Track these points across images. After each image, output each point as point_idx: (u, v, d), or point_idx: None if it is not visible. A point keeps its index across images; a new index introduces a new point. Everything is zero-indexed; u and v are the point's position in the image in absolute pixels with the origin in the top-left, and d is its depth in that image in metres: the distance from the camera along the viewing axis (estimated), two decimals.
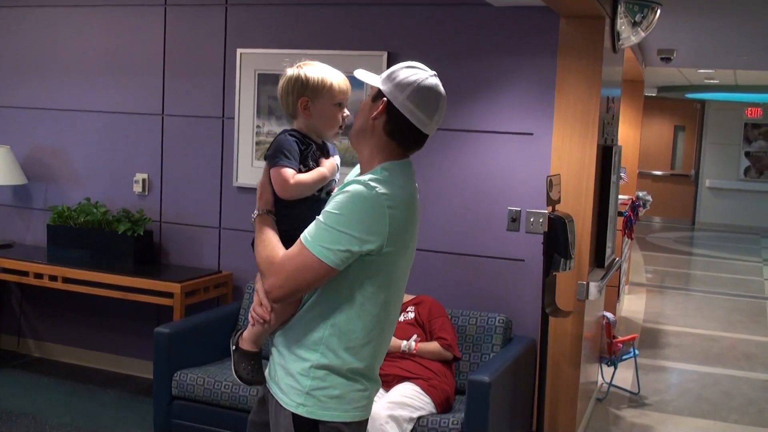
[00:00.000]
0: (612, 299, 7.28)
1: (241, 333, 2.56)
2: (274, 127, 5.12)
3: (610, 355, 5.80)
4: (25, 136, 5.97)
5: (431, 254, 4.85)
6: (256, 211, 2.45)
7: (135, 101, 5.57)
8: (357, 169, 2.49)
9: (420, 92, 2.30)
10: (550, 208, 4.18)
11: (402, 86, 2.29)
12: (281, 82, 2.51)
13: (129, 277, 5.06)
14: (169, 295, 4.96)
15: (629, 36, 4.66)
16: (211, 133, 5.32)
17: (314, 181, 2.44)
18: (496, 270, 4.74)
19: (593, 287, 4.45)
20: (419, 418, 3.97)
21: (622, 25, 4.60)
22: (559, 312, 4.27)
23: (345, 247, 2.22)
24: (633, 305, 8.90)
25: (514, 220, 4.57)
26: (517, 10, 4.59)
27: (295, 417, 2.35)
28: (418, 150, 2.40)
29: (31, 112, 5.96)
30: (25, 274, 5.33)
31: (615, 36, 4.63)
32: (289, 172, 2.40)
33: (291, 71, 2.51)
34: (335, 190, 2.36)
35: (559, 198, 4.31)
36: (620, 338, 6.00)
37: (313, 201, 2.45)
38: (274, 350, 2.48)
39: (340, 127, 2.54)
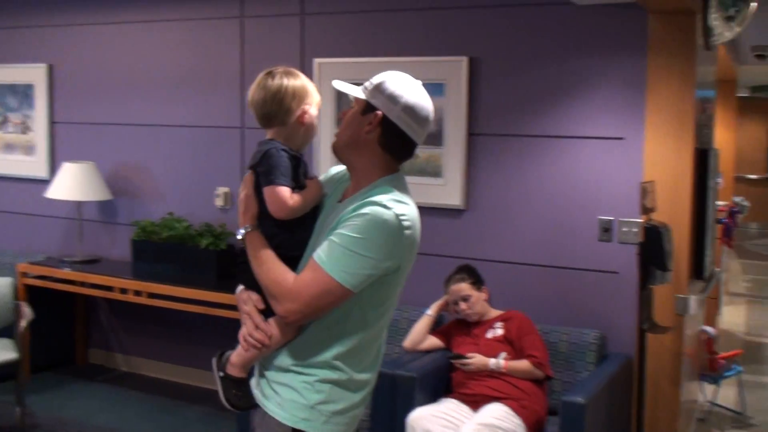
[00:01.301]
0: (712, 312, 6.94)
1: (228, 357, 2.43)
2: None
3: (712, 372, 5.49)
4: (108, 152, 6.01)
5: (519, 267, 4.67)
6: (242, 230, 2.34)
7: (215, 115, 5.55)
8: (338, 168, 2.48)
9: (414, 103, 2.27)
10: (644, 217, 3.96)
11: (395, 98, 2.26)
12: (274, 86, 2.38)
13: (211, 291, 5.00)
14: None
15: (722, 32, 4.39)
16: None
17: (310, 201, 2.37)
18: (588, 283, 4.52)
19: (693, 301, 4.20)
20: None
21: (715, 20, 4.33)
22: (656, 328, 4.04)
23: (367, 272, 2.18)
24: (733, 317, 8.49)
25: (606, 230, 4.37)
26: (602, 8, 4.37)
27: None
28: (409, 159, 2.37)
29: (113, 128, 6.00)
30: (111, 289, 5.34)
31: (707, 32, 4.36)
32: (287, 192, 2.30)
33: (285, 78, 2.39)
34: (346, 210, 2.25)
35: (654, 206, 4.08)
36: (722, 354, 5.67)
37: (302, 217, 2.36)
38: (265, 369, 2.37)
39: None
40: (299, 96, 2.39)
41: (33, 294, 5.65)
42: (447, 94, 4.75)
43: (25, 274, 5.64)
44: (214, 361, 2.45)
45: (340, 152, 2.36)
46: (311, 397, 2.27)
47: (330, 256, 2.18)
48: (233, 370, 2.39)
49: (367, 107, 2.29)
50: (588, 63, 4.46)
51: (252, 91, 2.41)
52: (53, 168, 6.17)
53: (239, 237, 2.34)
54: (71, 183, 5.65)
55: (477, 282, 4.33)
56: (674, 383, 4.39)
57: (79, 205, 5.84)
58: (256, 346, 2.29)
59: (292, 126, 2.40)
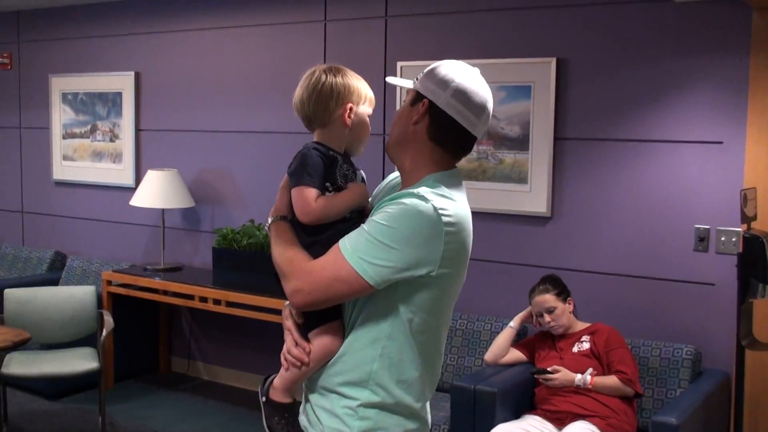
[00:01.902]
0: None
1: (272, 381, 2.20)
2: None
3: None
4: (191, 158, 6.02)
5: (608, 277, 4.45)
6: (269, 218, 2.17)
7: (297, 121, 5.41)
8: (393, 175, 2.26)
9: (465, 88, 2.05)
10: (744, 226, 3.71)
11: (444, 83, 2.05)
12: (311, 85, 2.19)
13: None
14: None
15: None
16: (374, 149, 5.11)
17: (342, 206, 2.10)
18: (682, 295, 4.27)
19: None
20: None
21: None
22: (757, 344, 3.77)
23: (389, 264, 1.93)
24: None
25: (702, 239, 4.13)
26: (701, 5, 4.13)
27: None
28: (465, 155, 2.15)
29: (196, 134, 6.01)
30: (191, 297, 5.32)
31: None
32: (312, 193, 2.09)
33: (324, 76, 2.19)
34: (379, 202, 2.06)
35: (755, 214, 3.81)
36: None
37: (341, 225, 2.10)
38: (310, 391, 2.16)
39: None
40: (340, 94, 2.17)
41: (118, 302, 5.70)
42: (534, 97, 4.57)
43: (109, 282, 5.68)
44: (259, 386, 2.25)
45: (391, 152, 2.17)
46: (355, 425, 2.02)
47: (353, 242, 1.97)
48: (276, 395, 2.18)
49: (416, 97, 2.10)
50: (684, 63, 4.21)
51: (295, 92, 2.25)
52: (138, 176, 6.22)
53: (266, 228, 2.17)
54: (155, 190, 5.67)
55: (562, 293, 4.14)
56: None
57: (162, 212, 5.86)
58: (295, 365, 2.09)
59: (334, 127, 2.19)
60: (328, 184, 2.11)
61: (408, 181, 2.10)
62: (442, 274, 1.99)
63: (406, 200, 1.96)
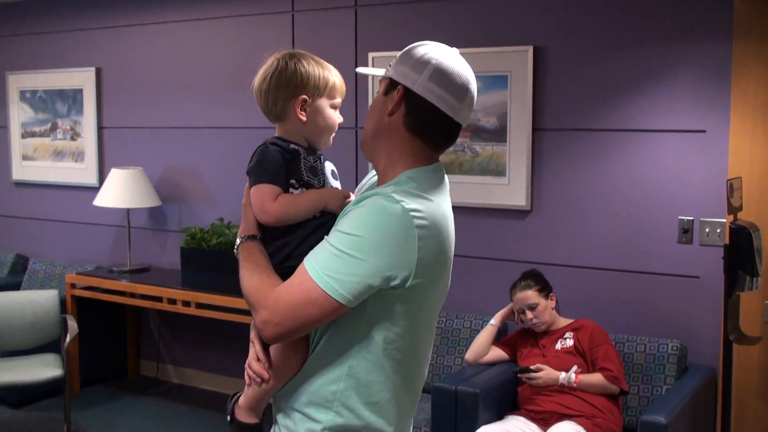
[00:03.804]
0: None
1: (237, 399, 1.99)
2: None
3: None
4: (156, 156, 5.84)
5: (590, 271, 4.34)
6: (237, 239, 1.95)
7: (264, 116, 5.31)
8: (372, 174, 2.03)
9: (443, 68, 1.83)
10: (731, 217, 3.62)
11: (419, 66, 1.83)
12: (265, 74, 2.00)
13: None
14: None
15: None
16: (345, 143, 4.96)
17: (305, 206, 1.91)
18: (666, 289, 4.17)
19: None
20: None
21: None
22: (744, 338, 3.68)
23: (359, 278, 1.72)
24: None
25: (686, 231, 4.04)
26: None
27: None
28: (449, 146, 1.93)
29: (161, 131, 5.83)
30: (159, 299, 5.15)
31: None
32: (270, 191, 1.91)
33: (278, 63, 1.99)
34: (349, 205, 1.85)
35: (741, 205, 3.71)
36: None
37: (315, 225, 1.92)
38: (277, 410, 1.97)
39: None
40: (291, 84, 1.95)
41: (83, 305, 5.51)
42: (511, 87, 4.44)
43: (73, 285, 5.48)
44: (227, 403, 2.05)
45: (365, 148, 1.95)
46: None
47: (318, 258, 1.76)
48: (241, 414, 1.98)
49: (390, 84, 1.88)
50: (665, 49, 4.10)
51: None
52: (102, 174, 6.02)
53: (235, 251, 1.96)
54: (120, 190, 5.48)
55: (544, 289, 4.02)
56: (763, 398, 4.06)
57: (128, 212, 5.67)
58: (256, 380, 1.89)
59: (291, 120, 1.97)
60: (293, 180, 1.93)
61: (384, 179, 1.89)
62: (418, 284, 1.78)
63: (372, 203, 1.75)
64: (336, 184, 2.05)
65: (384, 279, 1.74)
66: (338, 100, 2.03)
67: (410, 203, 1.74)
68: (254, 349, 1.90)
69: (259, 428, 1.99)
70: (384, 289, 1.76)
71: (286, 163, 1.92)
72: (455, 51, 1.90)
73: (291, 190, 1.93)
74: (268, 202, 1.88)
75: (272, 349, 1.88)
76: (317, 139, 2.01)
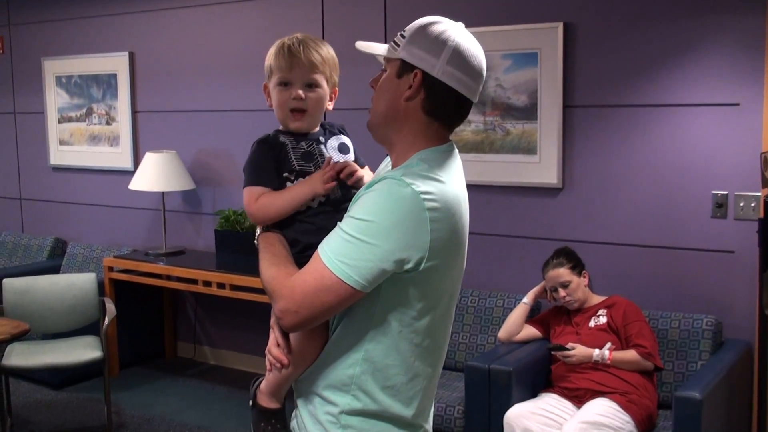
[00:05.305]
0: None
1: (259, 384, 2.02)
2: None
3: None
4: (190, 139, 5.88)
5: (623, 248, 4.31)
6: (258, 230, 1.99)
7: None
8: (386, 162, 2.00)
9: (461, 51, 1.80)
10: (765, 191, 3.58)
11: (436, 48, 1.79)
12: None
13: None
14: None
15: None
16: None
17: (285, 202, 1.91)
18: (700, 264, 4.13)
19: None
20: None
21: None
22: None
23: (373, 264, 1.71)
24: None
25: (720, 205, 3.99)
26: None
27: None
28: (461, 123, 1.90)
29: (194, 114, 5.86)
30: (195, 282, 5.20)
31: None
32: (253, 192, 1.92)
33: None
34: (361, 189, 1.84)
35: None
36: None
37: (330, 212, 1.92)
38: (298, 395, 1.98)
39: (294, 111, 2.00)
40: (268, 69, 2.03)
41: (120, 288, 5.58)
42: (541, 64, 4.40)
43: (111, 269, 5.56)
44: (250, 387, 2.09)
45: (377, 131, 1.90)
46: None
47: (331, 244, 1.75)
48: (263, 399, 2.00)
49: (403, 67, 1.83)
50: (697, 23, 4.05)
51: None
52: (137, 158, 6.08)
53: (255, 241, 1.98)
54: (154, 173, 5.53)
55: (577, 266, 4.01)
56: None
57: (163, 195, 5.72)
58: (276, 366, 1.91)
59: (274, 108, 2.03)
60: (286, 174, 1.94)
61: (398, 161, 1.86)
62: (431, 267, 1.76)
63: (382, 187, 1.73)
64: (345, 157, 2.03)
65: (397, 263, 1.72)
66: (282, 75, 2.00)
67: (421, 185, 1.72)
68: (274, 334, 1.92)
69: (281, 413, 2.01)
70: (398, 272, 1.74)
71: (274, 158, 1.93)
72: (461, 25, 1.86)
73: (287, 183, 1.94)
74: (251, 204, 1.92)
75: (292, 335, 1.89)
76: (282, 121, 2.03)
